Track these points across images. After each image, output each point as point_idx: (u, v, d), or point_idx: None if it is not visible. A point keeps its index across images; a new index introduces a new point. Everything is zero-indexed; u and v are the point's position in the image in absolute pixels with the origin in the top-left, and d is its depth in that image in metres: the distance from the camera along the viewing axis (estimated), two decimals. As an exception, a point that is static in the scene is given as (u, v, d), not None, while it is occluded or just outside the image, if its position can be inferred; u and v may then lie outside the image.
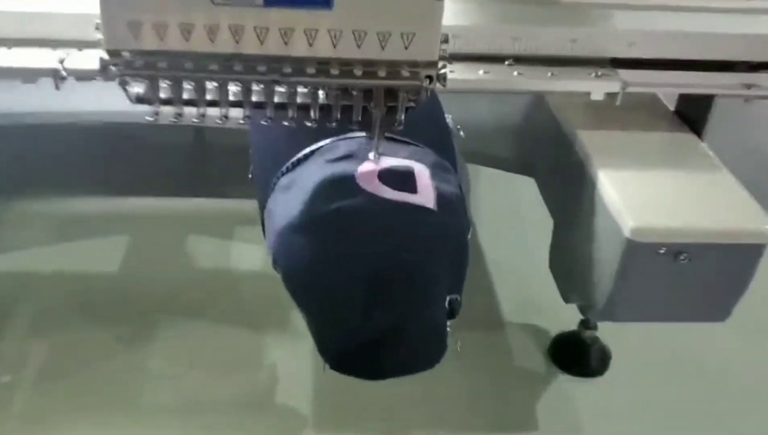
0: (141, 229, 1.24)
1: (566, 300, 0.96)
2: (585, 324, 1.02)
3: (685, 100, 0.97)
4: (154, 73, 0.65)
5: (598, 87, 0.85)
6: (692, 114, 0.96)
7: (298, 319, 0.75)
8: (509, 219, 1.29)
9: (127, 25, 0.62)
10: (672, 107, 1.00)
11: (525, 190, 1.12)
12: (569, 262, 0.94)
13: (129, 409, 0.94)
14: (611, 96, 0.87)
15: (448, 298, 0.72)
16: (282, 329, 1.04)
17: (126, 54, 0.64)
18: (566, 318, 1.04)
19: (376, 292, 0.67)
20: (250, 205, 0.81)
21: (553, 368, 1.05)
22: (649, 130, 0.95)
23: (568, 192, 0.93)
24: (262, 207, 0.77)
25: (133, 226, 1.24)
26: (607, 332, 1.03)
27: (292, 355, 1.01)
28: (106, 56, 0.64)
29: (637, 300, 0.82)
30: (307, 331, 0.72)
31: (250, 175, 0.81)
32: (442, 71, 0.66)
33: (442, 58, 0.66)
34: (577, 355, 1.04)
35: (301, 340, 0.86)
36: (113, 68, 0.64)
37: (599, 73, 0.86)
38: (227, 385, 0.98)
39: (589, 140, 0.91)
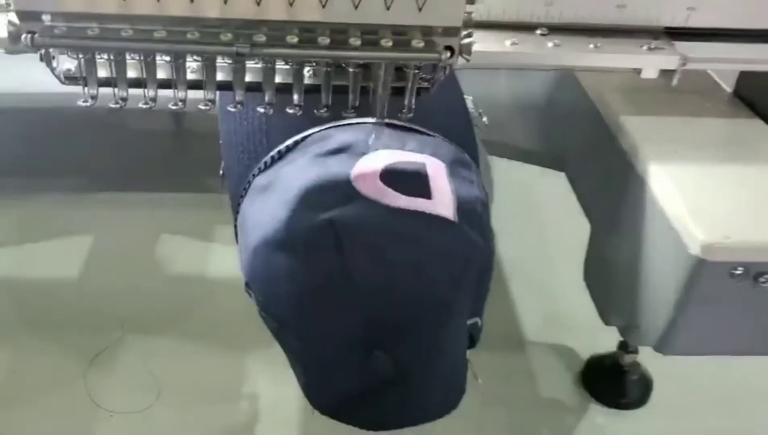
0: (104, 229, 1.07)
1: (606, 322, 0.80)
2: (624, 346, 0.87)
3: (747, 78, 0.81)
4: (83, 44, 0.48)
5: (652, 62, 0.69)
6: (758, 95, 0.79)
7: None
8: (532, 219, 1.12)
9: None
10: (729, 87, 0.83)
11: (552, 184, 0.95)
12: (612, 277, 0.78)
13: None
14: (665, 74, 0.71)
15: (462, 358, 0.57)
16: (267, 351, 0.88)
17: (46, 17, 0.48)
18: (601, 337, 0.88)
19: (378, 327, 0.51)
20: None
21: (586, 397, 0.89)
22: (707, 116, 0.78)
23: (611, 192, 0.77)
24: (236, 211, 0.61)
25: (96, 227, 1.07)
26: (647, 354, 0.88)
27: (279, 382, 0.85)
28: (16, 20, 0.48)
29: (704, 330, 0.66)
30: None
31: (221, 172, 0.65)
32: (466, 41, 0.50)
33: (466, 24, 0.49)
34: (613, 382, 0.89)
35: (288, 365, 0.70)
36: (27, 37, 0.48)
37: (652, 46, 0.70)
38: (201, 419, 0.83)
39: (637, 129, 0.74)
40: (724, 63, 0.73)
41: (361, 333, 0.51)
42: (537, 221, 1.13)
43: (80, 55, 0.50)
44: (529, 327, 0.96)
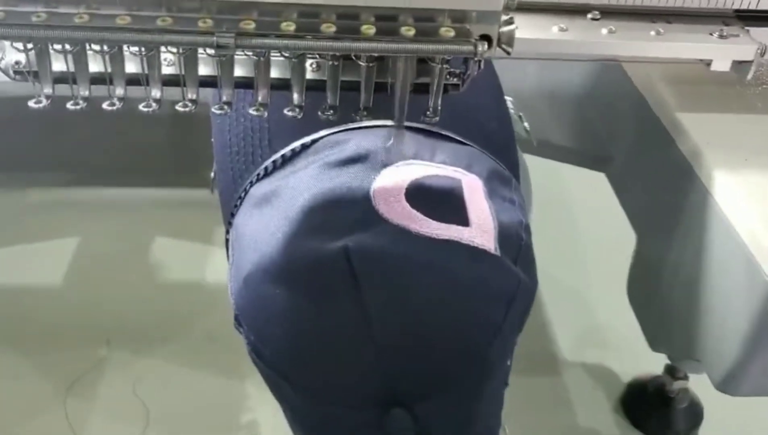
0: (89, 231, 0.98)
1: (655, 348, 0.70)
2: (672, 371, 0.77)
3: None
4: (24, 33, 0.38)
5: (725, 52, 0.58)
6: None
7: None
8: (568, 224, 1.02)
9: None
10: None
11: (591, 187, 0.85)
12: (665, 299, 0.68)
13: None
14: (736, 65, 0.60)
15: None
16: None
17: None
18: (644, 358, 0.78)
19: (398, 382, 0.41)
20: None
21: (626, 427, 0.79)
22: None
23: (665, 201, 0.66)
24: (228, 223, 0.51)
25: (80, 227, 0.98)
26: (697, 378, 0.78)
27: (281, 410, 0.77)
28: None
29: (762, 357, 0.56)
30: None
31: (212, 175, 0.55)
32: (507, 28, 0.40)
33: (507, 8, 0.39)
34: (659, 410, 0.79)
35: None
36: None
37: (724, 33, 0.59)
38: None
39: (699, 129, 0.64)
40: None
41: (377, 388, 0.41)
42: (574, 227, 1.02)
43: (28, 47, 0.40)
44: (563, 345, 0.86)
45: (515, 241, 0.43)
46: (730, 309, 0.57)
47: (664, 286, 0.68)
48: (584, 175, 0.85)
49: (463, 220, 0.42)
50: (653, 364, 0.78)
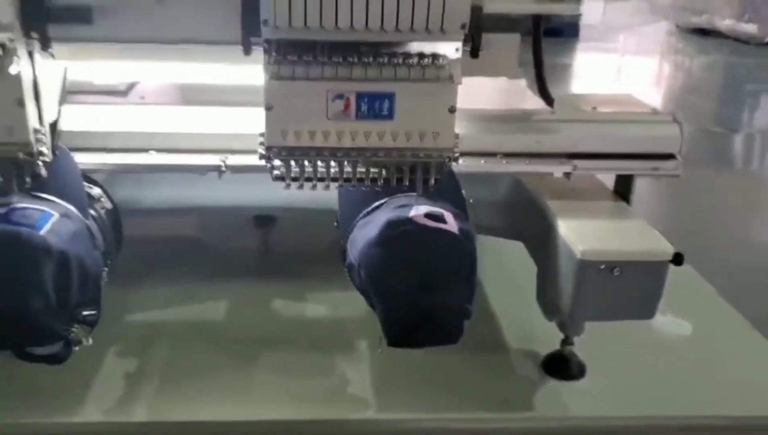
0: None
1: (549, 318, 1.39)
2: (564, 342, 1.43)
3: (618, 179, 1.45)
4: (291, 158, 1.13)
5: (558, 168, 1.34)
6: (622, 188, 1.43)
7: None
8: (509, 274, 1.72)
9: (280, 132, 1.11)
10: (611, 186, 1.47)
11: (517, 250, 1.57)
12: (546, 289, 1.38)
13: None
14: (567, 175, 1.36)
15: (464, 306, 1.16)
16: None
17: (275, 149, 1.13)
18: (553, 344, 1.44)
19: (422, 282, 1.11)
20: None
21: (546, 377, 1.44)
22: (591, 199, 1.41)
23: (542, 241, 1.38)
24: (344, 241, 1.23)
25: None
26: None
27: None
28: (263, 151, 1.13)
29: (589, 303, 1.25)
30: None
31: (335, 223, 1.28)
32: (456, 153, 1.15)
33: (455, 148, 1.14)
34: (561, 365, 1.44)
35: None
36: (269, 155, 1.12)
37: (560, 162, 1.34)
38: None
39: (554, 205, 1.37)
40: (595, 170, 1.38)
41: (414, 284, 1.11)
42: (511, 273, 1.71)
43: (286, 164, 1.15)
44: (513, 338, 1.52)
45: (467, 232, 1.15)
46: (566, 278, 1.26)
47: (545, 283, 1.38)
48: (510, 242, 1.57)
49: (445, 223, 1.14)
50: (555, 343, 1.44)
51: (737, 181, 4.53)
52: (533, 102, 1.55)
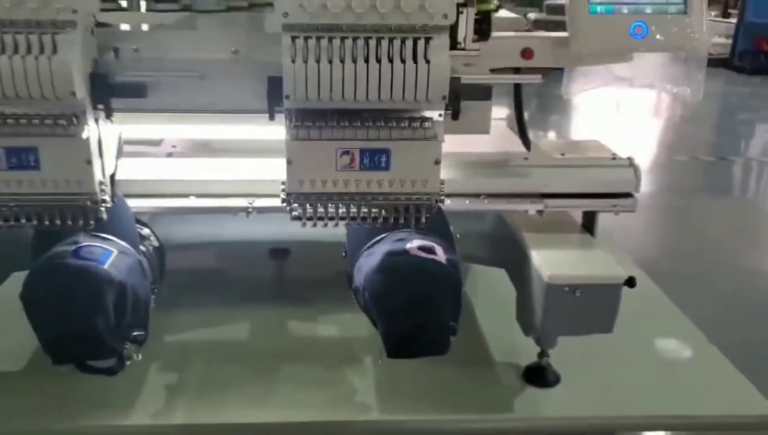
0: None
1: (526, 334, 1.62)
2: (541, 354, 1.66)
3: (584, 214, 1.69)
4: (307, 202, 1.38)
5: (531, 207, 1.59)
6: (587, 222, 1.68)
7: None
8: (494, 296, 1.95)
9: (298, 181, 1.36)
10: (579, 221, 1.72)
11: (499, 276, 1.81)
12: (524, 309, 1.62)
13: None
14: (540, 212, 1.61)
15: (450, 323, 1.40)
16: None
17: (294, 194, 1.38)
18: (532, 356, 1.68)
19: (415, 301, 1.35)
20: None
21: (526, 385, 1.67)
22: (560, 232, 1.66)
23: (519, 268, 1.62)
24: (351, 268, 1.48)
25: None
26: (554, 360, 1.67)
27: None
28: (284, 196, 1.38)
29: (557, 320, 1.49)
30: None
31: (343, 254, 1.53)
32: (441, 197, 1.40)
33: (440, 193, 1.39)
34: (539, 374, 1.67)
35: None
36: (290, 200, 1.37)
37: (533, 201, 1.59)
38: None
39: (529, 237, 1.62)
40: (565, 207, 1.62)
41: (407, 301, 1.35)
42: (495, 289, 1.95)
43: (302, 207, 1.40)
44: (497, 352, 1.75)
45: (453, 262, 1.39)
46: (538, 298, 1.50)
47: (522, 304, 1.61)
48: (493, 270, 1.81)
49: (435, 254, 1.38)
50: (533, 355, 1.67)
51: (725, 207, 4.76)
52: (515, 142, 1.81)
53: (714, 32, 8.88)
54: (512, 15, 1.91)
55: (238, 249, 2.02)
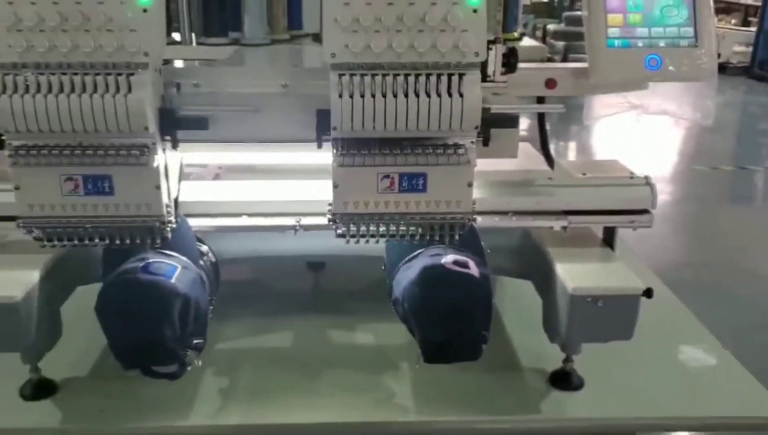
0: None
1: (551, 341, 1.75)
2: (566, 360, 1.79)
3: (604, 230, 1.82)
4: (351, 222, 1.52)
5: (556, 223, 1.72)
6: (607, 237, 1.80)
7: None
8: (522, 306, 2.08)
9: (343, 203, 1.51)
10: (600, 235, 1.84)
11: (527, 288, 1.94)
12: (549, 318, 1.74)
13: None
14: (563, 228, 1.74)
15: (482, 332, 1.53)
16: None
17: (339, 215, 1.52)
18: (558, 362, 1.80)
19: (450, 311, 1.49)
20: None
21: (552, 388, 1.79)
22: (583, 246, 1.79)
23: (545, 280, 1.75)
24: (390, 281, 1.62)
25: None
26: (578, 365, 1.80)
27: None
28: (330, 216, 1.52)
29: (580, 328, 1.61)
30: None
31: (383, 267, 1.68)
32: (473, 216, 1.53)
33: (473, 212, 1.53)
34: (564, 378, 1.79)
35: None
36: (335, 220, 1.52)
37: (557, 218, 1.72)
38: None
39: (554, 251, 1.75)
40: (587, 223, 1.75)
41: (444, 311, 1.50)
42: (523, 307, 2.08)
43: (348, 227, 1.54)
44: (525, 358, 1.88)
45: (485, 276, 1.53)
46: (562, 308, 1.63)
47: (548, 313, 1.74)
48: (521, 282, 1.94)
49: (468, 268, 1.52)
50: (558, 361, 1.80)
51: (745, 216, 4.83)
52: (539, 160, 1.95)
53: (734, 41, 8.92)
54: (535, 43, 2.05)
55: (278, 262, 2.16)
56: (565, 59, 8.30)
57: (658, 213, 1.80)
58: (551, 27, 8.91)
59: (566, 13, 9.03)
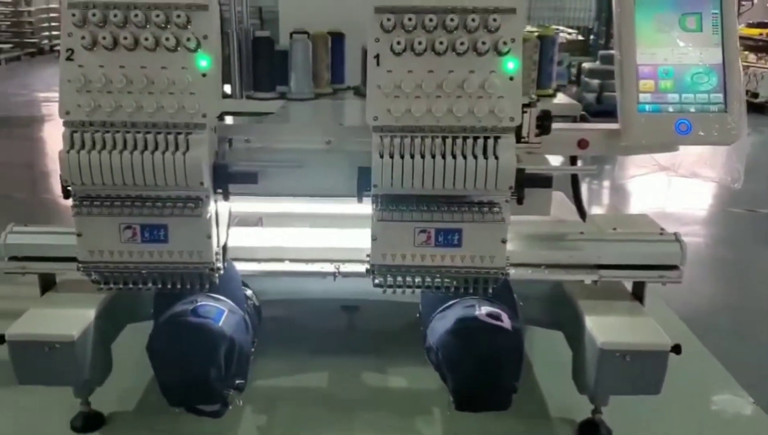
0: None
1: (580, 392, 1.79)
2: (594, 411, 1.83)
3: (634, 284, 1.86)
4: (388, 273, 1.60)
5: (587, 277, 1.77)
6: (637, 291, 1.85)
7: None
8: (553, 357, 2.12)
9: (381, 255, 1.58)
10: (630, 289, 1.89)
11: (555, 334, 1.99)
12: (578, 370, 1.79)
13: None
14: (594, 282, 1.79)
15: (513, 383, 1.59)
16: None
17: (377, 266, 1.60)
18: (586, 412, 1.84)
19: (482, 363, 1.55)
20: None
21: (580, 438, 1.83)
22: (613, 300, 1.83)
23: (575, 332, 1.80)
24: (424, 329, 1.69)
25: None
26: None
27: None
28: (368, 266, 1.60)
29: (608, 382, 1.66)
30: None
31: (418, 314, 1.75)
32: (507, 271, 1.60)
33: (506, 267, 1.59)
34: (592, 429, 1.83)
35: None
36: (373, 271, 1.59)
37: (588, 271, 1.78)
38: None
39: (584, 304, 1.80)
40: (616, 277, 1.80)
41: (476, 363, 1.56)
42: (553, 350, 2.11)
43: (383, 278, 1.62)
44: (554, 408, 1.92)
45: (516, 329, 1.59)
46: (591, 361, 1.68)
47: (578, 365, 1.79)
48: (552, 332, 1.99)
49: (501, 320, 1.59)
50: (587, 411, 1.84)
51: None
52: (571, 211, 2.01)
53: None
54: (569, 101, 2.12)
55: (315, 304, 2.24)
56: (599, 97, 8.33)
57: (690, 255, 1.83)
58: (586, 65, 8.94)
59: (601, 52, 9.07)
